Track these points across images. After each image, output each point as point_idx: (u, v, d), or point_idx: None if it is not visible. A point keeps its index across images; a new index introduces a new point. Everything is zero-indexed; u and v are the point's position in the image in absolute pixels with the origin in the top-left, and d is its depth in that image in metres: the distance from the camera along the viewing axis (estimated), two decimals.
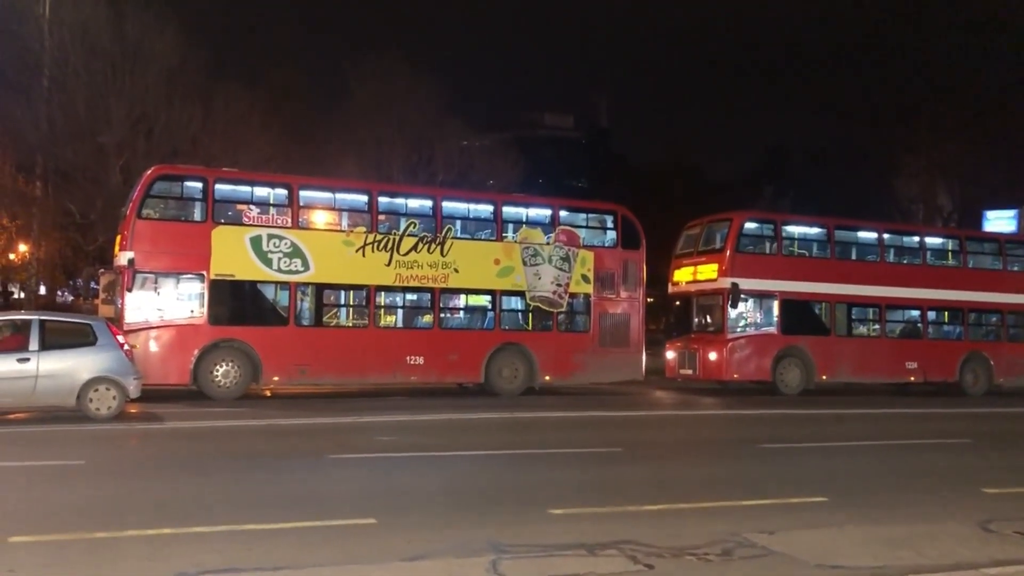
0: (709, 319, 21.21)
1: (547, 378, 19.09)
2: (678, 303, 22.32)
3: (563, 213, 20.12)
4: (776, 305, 20.89)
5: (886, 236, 22.91)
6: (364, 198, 18.51)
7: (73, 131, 32.89)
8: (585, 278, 19.53)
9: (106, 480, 8.74)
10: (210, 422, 13.51)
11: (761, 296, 20.88)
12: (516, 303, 19.24)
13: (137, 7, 33.72)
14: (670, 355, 22.02)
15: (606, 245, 20.22)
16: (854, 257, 22.44)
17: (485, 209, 19.67)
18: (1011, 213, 37.39)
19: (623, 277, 19.93)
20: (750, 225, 21.65)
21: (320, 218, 18.15)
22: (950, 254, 23.81)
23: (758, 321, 21.11)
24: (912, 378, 22.23)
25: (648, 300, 21.39)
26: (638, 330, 20.12)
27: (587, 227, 20.28)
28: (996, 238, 26.04)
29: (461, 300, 19.21)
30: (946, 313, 23.00)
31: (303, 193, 17.70)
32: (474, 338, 18.70)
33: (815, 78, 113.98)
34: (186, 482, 8.67)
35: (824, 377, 21.24)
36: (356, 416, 14.51)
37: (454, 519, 7.19)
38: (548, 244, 19.28)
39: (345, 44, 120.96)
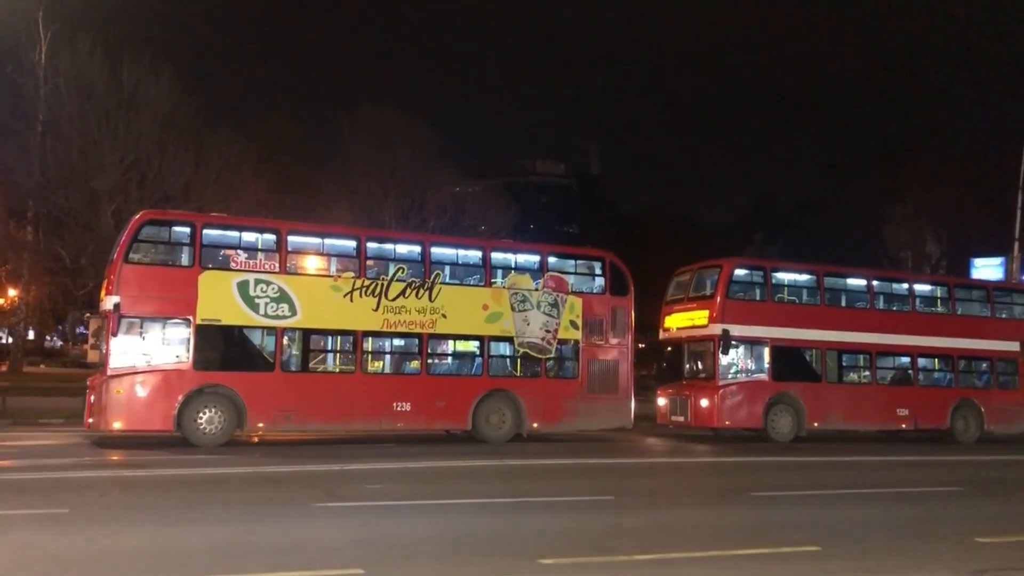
0: (700, 365, 21.17)
1: (535, 425, 18.89)
2: (669, 349, 22.30)
3: (552, 259, 20.08)
4: (767, 352, 20.84)
5: (875, 283, 22.99)
6: (352, 243, 18.46)
7: (66, 176, 33.07)
8: (574, 324, 19.43)
9: (91, 529, 8.59)
10: (197, 469, 13.33)
11: (752, 343, 20.84)
12: (504, 349, 19.11)
13: (133, 54, 34.14)
14: (661, 401, 21.93)
15: (595, 291, 20.15)
16: (844, 304, 22.49)
17: (474, 255, 19.63)
18: (998, 260, 37.65)
19: (612, 323, 19.82)
20: (740, 272, 21.71)
21: (308, 263, 18.06)
22: (939, 301, 23.92)
23: (749, 368, 21.05)
24: (903, 425, 22.16)
25: (639, 346, 21.33)
26: (627, 377, 19.96)
27: (576, 273, 20.24)
28: (984, 285, 26.19)
29: (449, 346, 19.09)
30: (936, 360, 23.01)
31: (291, 239, 17.61)
32: (462, 384, 18.55)
33: (804, 126, 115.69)
34: (171, 531, 8.53)
35: (815, 424, 21.10)
36: (343, 463, 14.35)
37: (443, 569, 7.09)
38: (537, 290, 19.20)
39: (338, 92, 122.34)
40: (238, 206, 32.54)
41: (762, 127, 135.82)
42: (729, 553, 8.04)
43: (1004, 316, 23.92)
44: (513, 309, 18.87)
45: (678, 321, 21.82)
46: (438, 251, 19.13)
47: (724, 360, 20.47)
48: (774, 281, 21.84)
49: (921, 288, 24.17)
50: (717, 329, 20.27)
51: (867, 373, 22.26)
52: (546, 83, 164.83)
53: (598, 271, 20.43)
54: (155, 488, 11.82)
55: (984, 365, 23.47)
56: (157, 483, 12.24)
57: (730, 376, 20.69)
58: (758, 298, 21.58)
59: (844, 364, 22.04)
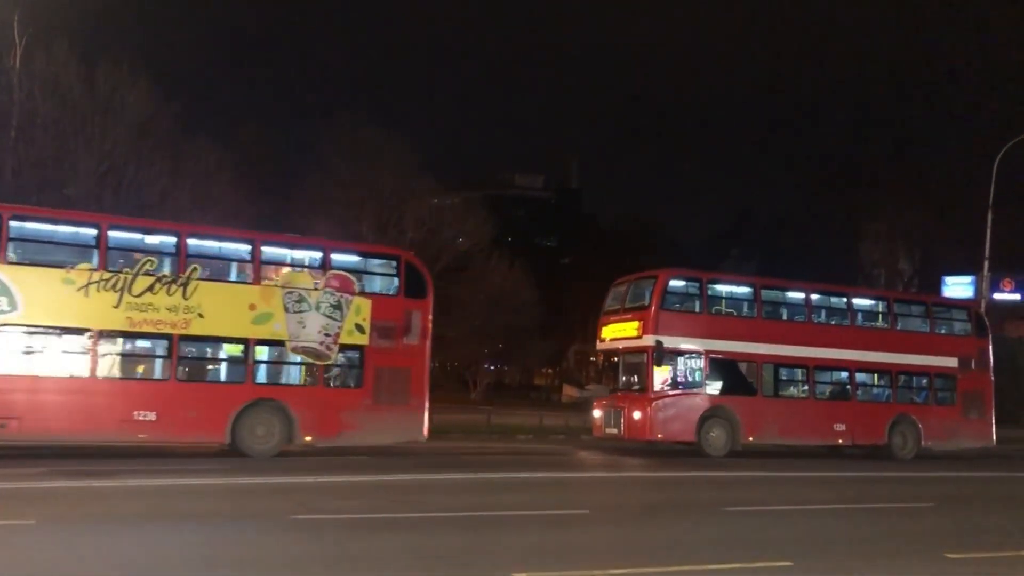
0: (635, 377, 21.03)
1: (308, 439, 17.25)
2: (606, 360, 22.26)
3: (336, 256, 18.25)
4: (702, 364, 20.74)
5: (814, 297, 22.84)
6: (92, 232, 16.45)
7: (39, 182, 33.26)
8: (360, 328, 17.75)
9: (55, 539, 8.48)
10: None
11: (687, 355, 20.71)
12: (275, 354, 17.46)
13: (109, 60, 34.43)
14: (596, 413, 21.83)
15: (388, 293, 18.50)
16: (782, 317, 22.35)
17: (240, 248, 17.81)
18: (968, 279, 37.67)
19: (405, 328, 18.24)
20: (676, 283, 21.40)
21: (35, 253, 16.08)
22: (879, 316, 23.76)
23: (684, 380, 20.84)
24: (840, 440, 22.02)
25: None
26: (420, 386, 18.31)
27: (366, 272, 18.73)
28: (923, 300, 25.95)
29: (205, 349, 17.38)
30: (875, 375, 22.88)
31: (14, 224, 15.71)
32: (220, 392, 16.94)
33: (783, 143, 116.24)
34: (146, 543, 8.45)
35: (751, 438, 20.90)
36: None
37: None
38: (316, 289, 17.47)
39: (317, 104, 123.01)
40: (215, 215, 32.78)
41: (742, 144, 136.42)
42: (703, 568, 8.01)
43: (943, 332, 23.74)
44: (287, 310, 17.20)
45: (614, 332, 21.74)
46: (196, 243, 17.32)
47: (658, 372, 20.30)
48: (710, 293, 21.65)
49: (860, 303, 23.90)
50: (650, 340, 20.16)
51: (804, 387, 22.04)
52: (526, 96, 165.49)
53: (392, 271, 18.88)
54: (121, 499, 11.47)
55: (923, 381, 23.32)
56: (118, 494, 12.10)
57: (664, 388, 20.51)
58: (695, 310, 21.30)
59: (781, 378, 21.85)
